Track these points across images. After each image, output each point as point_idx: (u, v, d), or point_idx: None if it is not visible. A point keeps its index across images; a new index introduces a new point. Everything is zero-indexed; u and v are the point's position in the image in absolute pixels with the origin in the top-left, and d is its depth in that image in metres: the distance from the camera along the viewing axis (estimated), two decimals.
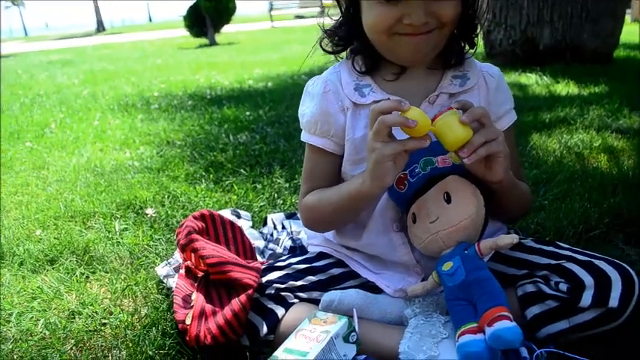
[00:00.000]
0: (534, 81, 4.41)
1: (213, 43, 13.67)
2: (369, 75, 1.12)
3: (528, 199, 1.19)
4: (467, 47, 1.14)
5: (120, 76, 7.11)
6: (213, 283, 1.13)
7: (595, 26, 4.87)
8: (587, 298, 0.99)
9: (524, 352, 0.97)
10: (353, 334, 0.98)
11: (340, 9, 1.12)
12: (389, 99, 1.09)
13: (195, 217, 1.23)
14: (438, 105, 1.10)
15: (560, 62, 4.90)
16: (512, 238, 0.96)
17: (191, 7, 14.21)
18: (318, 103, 1.13)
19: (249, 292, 1.06)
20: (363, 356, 1.00)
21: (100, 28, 39.65)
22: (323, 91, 1.13)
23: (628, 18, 11.92)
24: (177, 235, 1.19)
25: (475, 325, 0.94)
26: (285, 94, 4.14)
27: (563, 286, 1.03)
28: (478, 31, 1.12)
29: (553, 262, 1.09)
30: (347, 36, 1.13)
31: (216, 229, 1.26)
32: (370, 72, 1.12)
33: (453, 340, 0.97)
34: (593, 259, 1.05)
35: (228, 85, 5.23)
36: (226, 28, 15.33)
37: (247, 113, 3.53)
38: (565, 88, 4.05)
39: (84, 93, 5.63)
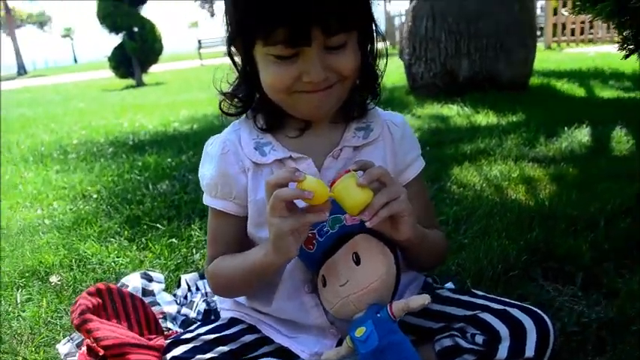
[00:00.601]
0: (456, 112, 4.55)
1: (140, 83, 13.41)
2: (271, 132, 1.08)
3: (443, 248, 1.17)
4: (369, 98, 1.11)
5: (38, 122, 6.79)
6: None
7: (509, 57, 5.11)
8: (503, 351, 0.96)
9: None
10: None
11: (236, 68, 1.07)
12: (290, 157, 1.04)
13: (89, 293, 1.12)
14: (342, 159, 1.06)
15: (479, 92, 5.09)
16: (424, 299, 0.92)
17: (116, 48, 13.93)
18: (217, 164, 1.07)
19: None
20: None
21: (22, 71, 38.20)
22: (221, 152, 1.07)
23: (542, 46, 12.72)
24: (71, 314, 1.08)
25: None
26: (210, 136, 4.03)
27: (479, 338, 1.00)
28: (379, 80, 1.09)
29: (469, 313, 1.05)
30: (246, 96, 1.09)
31: (115, 303, 1.15)
32: (272, 129, 1.08)
33: None
34: (507, 307, 1.03)
35: (153, 129, 5.08)
36: (154, 68, 15.11)
37: (169, 160, 3.41)
38: (485, 118, 4.18)
39: None
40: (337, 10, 0.88)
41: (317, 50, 0.91)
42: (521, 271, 1.50)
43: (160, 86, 12.24)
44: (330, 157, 1.05)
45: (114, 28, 13.56)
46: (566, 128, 3.40)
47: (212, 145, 1.10)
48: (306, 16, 0.87)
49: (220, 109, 1.10)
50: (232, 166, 1.06)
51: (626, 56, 1.74)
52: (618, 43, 1.76)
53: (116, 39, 13.96)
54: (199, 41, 22.87)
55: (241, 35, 0.97)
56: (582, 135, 3.28)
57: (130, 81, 13.88)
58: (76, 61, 71.26)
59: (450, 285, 1.36)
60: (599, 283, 1.43)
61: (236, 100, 1.08)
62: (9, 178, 3.54)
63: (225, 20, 1.00)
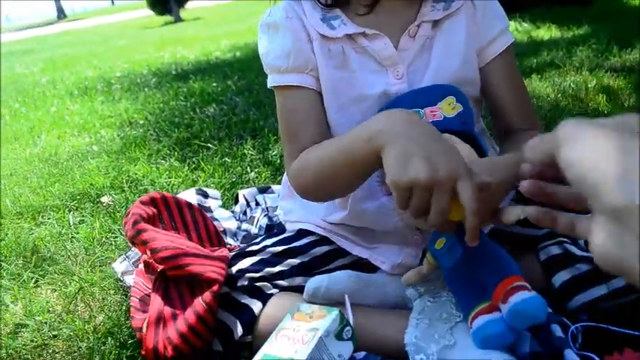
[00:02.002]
0: (514, 28, 4.21)
1: (178, 19, 13.22)
2: (337, 7, 0.91)
3: None
4: None
5: (81, 60, 6.77)
6: (174, 280, 0.93)
7: None
8: None
9: (557, 330, 0.79)
10: (347, 328, 0.79)
11: None
12: (364, 33, 0.88)
13: (143, 202, 1.02)
14: (420, 37, 0.89)
15: (539, 6, 4.70)
16: (519, 213, 0.74)
17: None
18: (284, 30, 0.90)
19: (215, 288, 0.86)
20: (363, 353, 0.82)
21: (61, 15, 38.40)
22: (286, 16, 0.90)
23: None
24: (124, 226, 0.98)
25: (488, 304, 0.75)
26: (254, 62, 3.87)
27: None
28: None
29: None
30: None
31: (172, 213, 1.05)
32: (338, 4, 0.91)
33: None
34: None
35: (195, 59, 4.95)
36: (191, 4, 14.86)
37: (214, 85, 3.29)
38: (547, 32, 3.86)
39: (42, 80, 5.31)
40: None
41: None
42: None
43: (198, 21, 12.01)
44: (405, 35, 0.88)
45: None
46: None
47: (270, 15, 0.92)
48: None
49: None
50: (300, 32, 0.89)
51: None
52: None
53: None
54: None
55: None
56: None
57: (168, 18, 13.71)
58: (113, 2, 71.09)
59: None
60: None
61: None
62: (55, 110, 3.51)
63: None
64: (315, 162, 0.82)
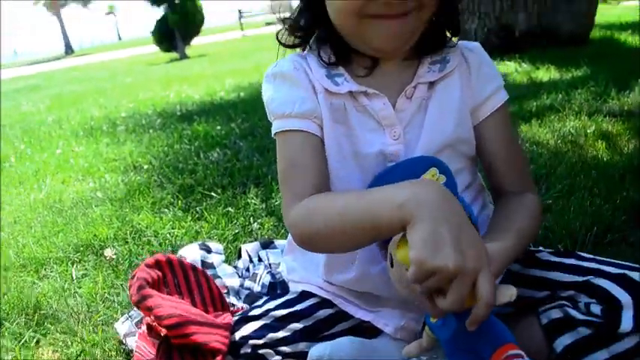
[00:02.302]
0: (514, 69, 4.28)
1: (183, 56, 13.45)
2: (340, 65, 0.93)
3: (536, 227, 0.94)
4: (449, 34, 0.95)
5: (87, 97, 6.87)
6: (178, 347, 0.93)
7: (569, 8, 4.76)
8: (627, 321, 0.80)
9: None
10: None
11: None
12: (365, 92, 0.90)
13: (148, 266, 1.03)
14: (416, 98, 0.91)
15: (537, 47, 4.77)
16: (511, 294, 0.73)
17: (158, 22, 14.01)
18: (291, 79, 0.92)
19: (218, 358, 0.86)
20: None
21: (69, 50, 39.09)
22: (294, 67, 0.92)
23: None
24: (128, 290, 0.99)
25: None
26: (258, 103, 3.92)
27: (595, 308, 0.85)
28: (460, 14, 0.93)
29: (579, 278, 0.90)
30: (308, 25, 0.94)
31: (176, 276, 1.06)
32: (340, 62, 0.93)
33: None
34: (627, 271, 0.86)
35: (199, 99, 5.02)
36: (196, 41, 15.15)
37: (218, 128, 3.32)
38: (546, 73, 3.91)
39: (49, 119, 5.38)
40: None
41: None
42: (620, 234, 1.32)
43: (204, 58, 12.21)
44: (402, 97, 0.91)
45: (155, 1, 13.58)
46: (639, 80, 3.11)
47: (277, 66, 0.95)
48: None
49: (277, 39, 0.96)
50: (305, 82, 0.92)
51: None
52: None
53: (158, 12, 14.02)
54: (240, 11, 22.70)
55: None
56: None
57: (174, 54, 13.95)
58: (120, 38, 72.43)
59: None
60: None
61: (297, 29, 0.94)
62: (61, 152, 3.55)
63: None
64: (329, 213, 0.79)
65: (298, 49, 0.98)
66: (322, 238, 0.81)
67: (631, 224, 1.35)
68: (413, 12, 0.81)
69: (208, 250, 1.45)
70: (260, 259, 1.41)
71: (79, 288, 1.53)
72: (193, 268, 1.11)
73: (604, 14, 8.48)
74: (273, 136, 0.94)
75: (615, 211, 1.41)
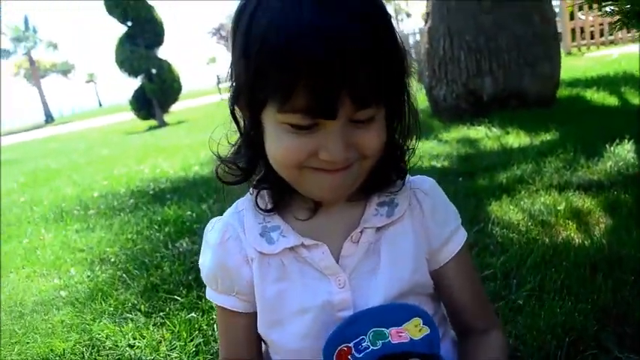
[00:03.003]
0: (484, 134, 4.34)
1: (162, 124, 13.54)
2: (278, 212, 0.89)
3: None
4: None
5: (62, 174, 6.81)
6: None
7: (534, 70, 4.90)
8: None
9: None
10: None
11: (239, 130, 0.87)
12: (302, 244, 0.86)
13: None
14: (364, 243, 0.86)
15: (506, 110, 4.87)
16: None
17: (136, 91, 14.17)
18: (214, 255, 0.89)
19: None
20: None
21: (49, 119, 39.24)
22: (220, 240, 0.88)
23: (562, 51, 12.41)
24: None
25: None
26: None
27: None
28: (407, 157, 0.90)
29: None
30: (248, 164, 0.90)
31: None
32: (279, 208, 0.89)
33: None
34: None
35: (173, 175, 4.99)
36: (175, 107, 15.27)
37: (189, 213, 3.26)
38: (516, 139, 3.97)
39: (21, 200, 5.30)
40: (373, 79, 0.70)
41: (341, 123, 0.72)
42: (592, 340, 1.27)
43: (182, 125, 12.31)
44: (348, 241, 0.86)
45: (132, 72, 13.80)
46: (607, 146, 3.15)
47: (211, 232, 0.92)
48: (337, 82, 0.68)
49: (216, 174, 0.92)
50: (233, 257, 0.87)
51: None
52: None
53: (136, 81, 14.18)
54: (218, 77, 23.11)
55: (250, 95, 0.76)
56: (625, 151, 3.03)
57: (152, 122, 14.04)
58: (100, 104, 73.04)
59: None
60: None
61: (235, 168, 0.90)
62: (28, 242, 3.45)
63: (230, 72, 0.81)
64: None
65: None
66: None
67: (604, 334, 1.30)
68: (356, 163, 0.78)
69: None
70: None
71: None
72: None
73: (570, 67, 8.78)
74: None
75: (587, 315, 1.37)
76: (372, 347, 0.78)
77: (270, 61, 0.69)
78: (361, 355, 0.78)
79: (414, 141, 0.87)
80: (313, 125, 0.72)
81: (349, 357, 0.79)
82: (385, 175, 0.87)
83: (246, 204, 0.91)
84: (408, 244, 0.88)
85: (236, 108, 0.83)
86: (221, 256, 0.88)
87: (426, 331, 0.80)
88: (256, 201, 0.88)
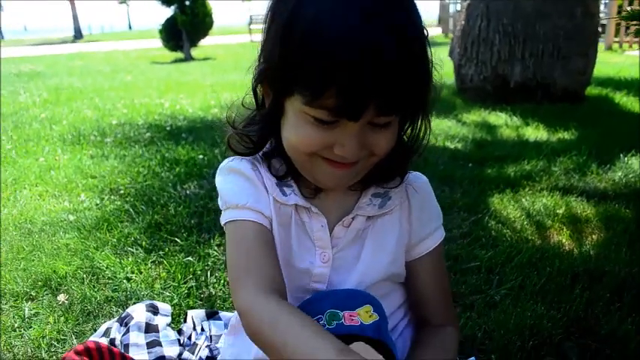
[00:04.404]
0: (504, 121, 4.33)
1: (188, 57, 13.47)
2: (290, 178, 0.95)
3: (452, 357, 0.95)
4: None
5: (84, 95, 6.87)
6: None
7: (566, 65, 4.82)
8: None
9: None
10: None
11: (256, 100, 0.92)
12: (310, 209, 0.92)
13: (77, 352, 1.05)
14: (353, 229, 0.93)
15: (531, 101, 4.83)
16: None
17: (167, 20, 14.01)
18: (247, 177, 0.92)
19: None
20: None
21: (78, 35, 39.09)
22: (251, 167, 0.93)
23: (602, 46, 12.09)
24: None
25: None
26: None
27: None
28: (414, 156, 0.94)
29: None
30: (260, 139, 0.95)
31: None
32: (290, 176, 0.95)
33: None
34: None
35: (192, 114, 5.05)
36: (204, 41, 15.14)
37: (200, 156, 3.34)
38: (534, 132, 3.96)
39: (42, 116, 5.39)
40: (400, 91, 0.75)
41: (360, 124, 0.78)
42: (554, 347, 1.35)
43: (208, 62, 12.25)
44: (340, 225, 0.93)
45: (166, 1, 13.62)
46: (621, 155, 3.16)
47: (235, 161, 0.95)
48: (367, 90, 0.73)
49: (228, 143, 0.97)
50: (260, 182, 0.92)
51: None
52: None
53: (169, 10, 14.04)
54: (250, 17, 22.79)
55: (280, 82, 0.81)
56: (639, 164, 3.04)
57: (179, 54, 13.96)
58: (130, 27, 72.51)
59: None
60: None
61: (247, 139, 0.95)
62: (44, 160, 3.56)
63: (262, 49, 0.85)
64: (278, 337, 0.76)
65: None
66: (263, 345, 0.80)
67: (568, 344, 1.37)
68: (363, 159, 0.83)
69: (155, 312, 1.46)
70: (202, 329, 1.43)
71: (29, 328, 1.55)
72: (122, 356, 1.13)
73: (607, 63, 8.59)
74: (222, 224, 0.93)
75: (556, 323, 1.43)
76: (327, 326, 0.86)
77: (309, 59, 0.73)
78: None
79: (425, 140, 0.92)
80: (335, 122, 0.77)
81: None
82: (386, 171, 0.93)
83: (260, 162, 0.96)
84: (392, 236, 0.95)
85: (259, 85, 0.88)
86: (251, 176, 0.92)
87: (376, 317, 0.87)
88: (269, 167, 0.94)
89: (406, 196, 0.97)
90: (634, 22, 1.55)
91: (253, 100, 0.94)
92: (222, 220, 0.93)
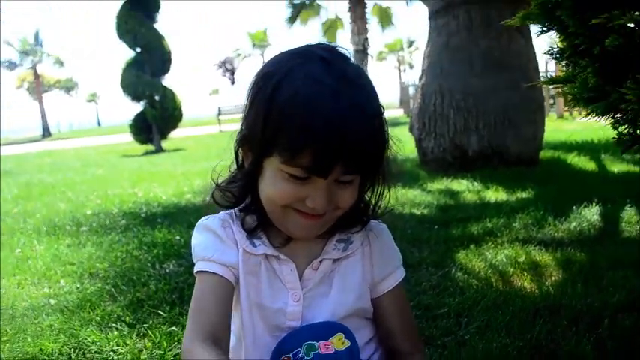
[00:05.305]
0: (465, 187, 4.57)
1: (159, 149, 13.73)
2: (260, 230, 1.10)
3: None
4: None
5: (56, 190, 6.94)
6: None
7: (517, 133, 5.18)
8: None
9: None
10: None
11: (237, 161, 1.09)
12: (278, 256, 1.06)
13: None
14: (321, 271, 1.07)
15: (488, 167, 5.12)
16: None
17: (137, 115, 14.38)
18: (216, 234, 1.06)
19: None
20: None
21: (46, 134, 39.38)
22: (220, 224, 1.07)
23: (554, 115, 12.85)
24: None
25: None
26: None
27: None
28: (372, 211, 1.11)
29: None
30: (240, 194, 1.11)
31: None
32: (261, 229, 1.10)
33: None
34: None
35: (166, 201, 5.16)
36: (174, 134, 15.50)
37: (177, 238, 3.44)
38: (494, 194, 4.20)
39: (14, 211, 5.43)
40: (362, 157, 0.92)
41: (328, 181, 0.94)
42: None
43: (179, 152, 12.51)
44: (309, 268, 1.07)
45: (135, 96, 14.08)
46: (574, 208, 3.38)
47: (209, 219, 1.09)
48: (335, 155, 0.89)
49: (212, 197, 1.10)
50: (229, 238, 1.06)
51: (623, 151, 1.76)
52: (613, 139, 1.79)
53: (138, 105, 14.45)
54: (219, 108, 23.52)
55: (261, 146, 0.96)
56: (592, 214, 3.26)
57: (150, 147, 14.22)
58: (99, 124, 73.38)
59: None
60: None
61: (229, 194, 1.10)
62: (21, 251, 3.59)
63: (244, 119, 1.01)
64: None
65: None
66: None
67: None
68: (328, 212, 0.99)
69: None
70: None
71: None
72: None
73: (558, 130, 9.14)
74: (194, 273, 1.06)
75: (521, 351, 1.55)
76: (305, 357, 0.98)
77: (288, 127, 0.90)
78: None
79: (385, 195, 1.09)
80: (307, 178, 0.94)
81: None
82: (348, 221, 1.09)
83: (235, 217, 1.11)
84: (356, 275, 1.10)
85: (240, 149, 1.04)
86: (221, 234, 1.05)
87: (348, 343, 1.00)
88: (242, 223, 1.09)
89: (367, 241, 1.13)
90: (555, 86, 1.77)
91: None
92: (194, 271, 1.07)
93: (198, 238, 1.09)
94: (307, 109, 0.89)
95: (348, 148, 0.89)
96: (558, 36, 1.62)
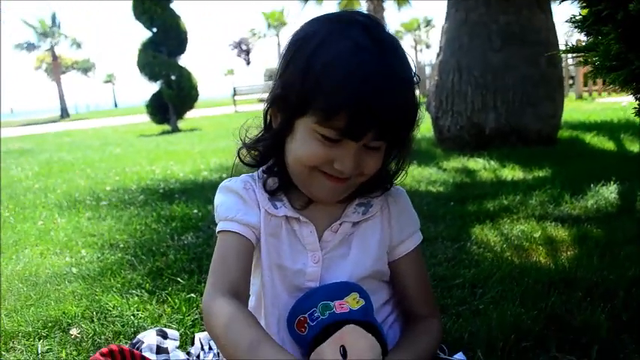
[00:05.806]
0: (482, 166, 4.54)
1: (175, 129, 13.81)
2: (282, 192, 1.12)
3: (434, 348, 1.12)
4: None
5: (76, 167, 7.04)
6: None
7: (535, 111, 5.12)
8: None
9: None
10: None
11: (265, 121, 1.10)
12: (298, 218, 1.08)
13: (102, 354, 1.16)
14: (340, 233, 1.10)
15: (506, 145, 5.08)
16: None
17: (154, 95, 14.46)
18: (239, 195, 1.10)
19: None
20: None
21: (65, 114, 39.79)
22: (243, 186, 1.11)
23: (573, 95, 12.65)
24: None
25: None
26: None
27: None
28: (397, 177, 1.13)
29: None
30: (265, 154, 1.12)
31: None
32: (282, 191, 1.12)
33: None
34: None
35: (183, 177, 5.22)
36: (190, 114, 15.56)
37: (195, 211, 3.49)
38: (511, 172, 4.17)
39: (35, 187, 5.52)
40: (395, 125, 0.94)
41: (359, 145, 0.96)
42: (534, 341, 1.47)
43: (195, 132, 12.57)
44: (329, 230, 1.09)
45: (152, 77, 14.13)
46: (592, 185, 3.36)
47: (231, 181, 1.13)
48: (370, 120, 0.91)
49: (238, 156, 1.13)
50: (251, 199, 1.09)
51: None
52: (635, 108, 1.77)
53: (154, 86, 14.52)
54: (234, 89, 23.53)
55: (297, 105, 0.96)
56: (609, 192, 3.23)
57: (166, 127, 14.31)
58: (116, 105, 73.87)
59: (460, 356, 1.35)
60: (615, 357, 1.40)
61: (255, 152, 1.12)
62: (43, 223, 3.67)
63: (278, 79, 1.02)
64: (233, 340, 0.88)
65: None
66: (218, 343, 0.94)
67: (546, 336, 1.50)
68: (353, 177, 1.01)
69: (164, 336, 1.56)
70: (210, 348, 1.53)
71: None
72: (142, 358, 1.24)
73: (577, 110, 9.02)
74: (216, 234, 1.10)
75: (535, 321, 1.56)
76: (321, 317, 1.01)
77: (326, 87, 0.92)
78: (314, 323, 1.01)
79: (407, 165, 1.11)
80: (338, 141, 0.95)
81: (306, 324, 1.02)
82: (369, 187, 1.10)
83: (255, 179, 1.13)
84: (374, 238, 1.11)
85: (270, 109, 1.06)
86: (243, 195, 1.09)
87: (362, 302, 1.03)
88: (264, 185, 1.11)
89: (387, 205, 1.14)
90: (576, 55, 1.75)
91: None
92: (216, 230, 1.10)
93: (221, 199, 1.12)
94: (348, 71, 0.91)
95: (383, 114, 0.91)
96: (580, 4, 1.60)
